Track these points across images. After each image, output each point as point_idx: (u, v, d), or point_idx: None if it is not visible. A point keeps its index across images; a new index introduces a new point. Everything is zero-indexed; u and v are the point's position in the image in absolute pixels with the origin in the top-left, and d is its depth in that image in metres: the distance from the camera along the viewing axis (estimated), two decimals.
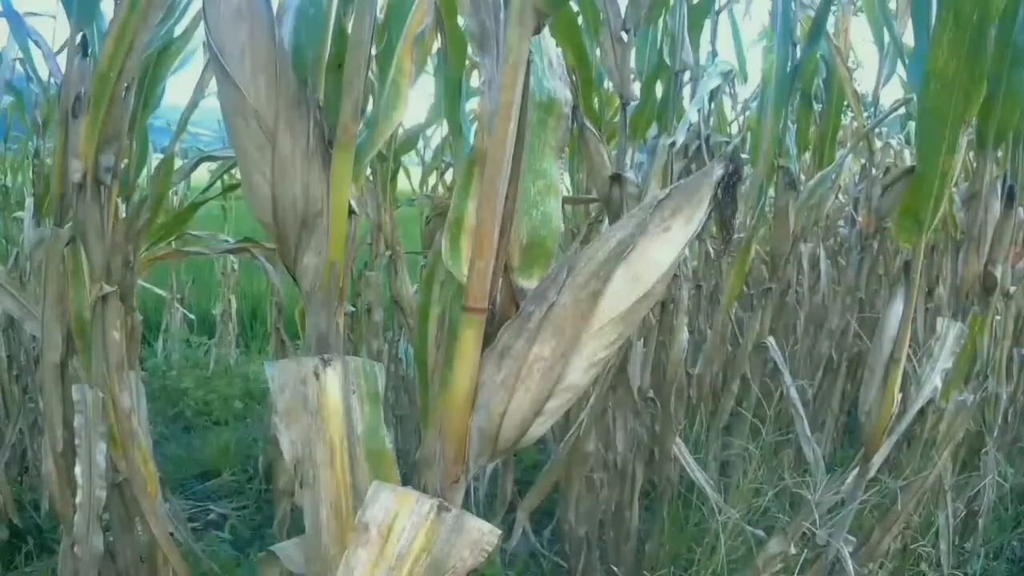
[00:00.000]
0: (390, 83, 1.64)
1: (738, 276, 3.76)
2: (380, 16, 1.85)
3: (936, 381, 2.82)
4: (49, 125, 4.38)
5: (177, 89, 2.97)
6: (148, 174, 3.19)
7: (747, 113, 5.72)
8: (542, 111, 1.33)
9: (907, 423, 2.76)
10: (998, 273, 2.99)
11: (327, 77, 1.51)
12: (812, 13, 3.80)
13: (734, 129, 5.79)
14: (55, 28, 4.21)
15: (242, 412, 6.35)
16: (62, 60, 2.60)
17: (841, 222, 5.89)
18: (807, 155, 4.57)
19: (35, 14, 3.96)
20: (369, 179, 4.33)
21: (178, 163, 3.06)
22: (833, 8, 4.34)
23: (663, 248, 1.14)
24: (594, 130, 3.06)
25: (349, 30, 1.45)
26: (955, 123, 2.16)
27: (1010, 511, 4.57)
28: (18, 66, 4.34)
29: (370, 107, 1.70)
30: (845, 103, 4.55)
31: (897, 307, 2.57)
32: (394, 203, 4.60)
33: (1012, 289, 3.42)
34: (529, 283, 1.28)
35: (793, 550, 2.87)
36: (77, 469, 2.43)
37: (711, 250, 5.07)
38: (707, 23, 3.88)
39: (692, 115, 3.56)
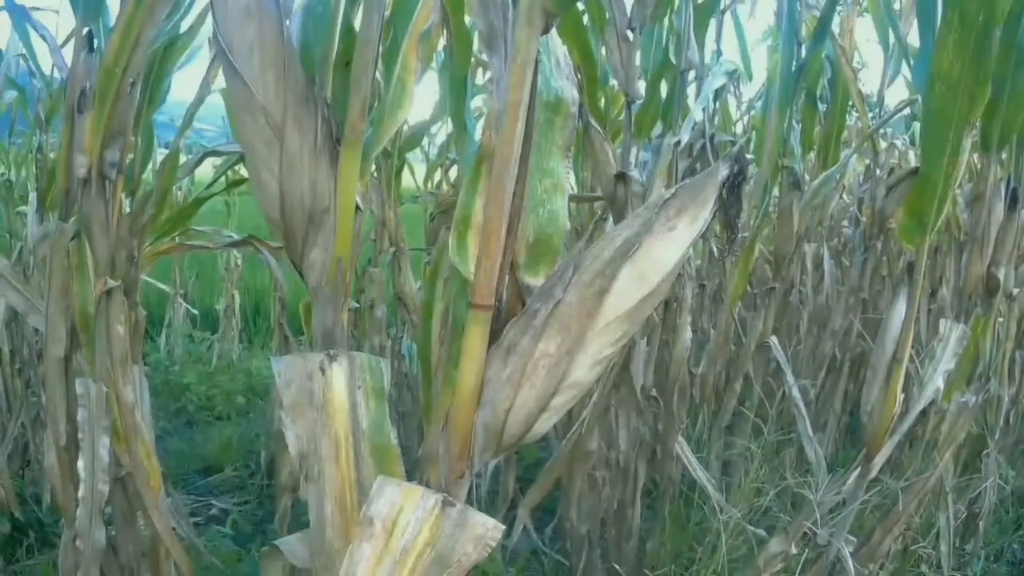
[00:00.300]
0: (395, 80, 1.65)
1: (742, 275, 3.76)
2: (386, 13, 1.85)
3: (938, 382, 2.82)
4: (52, 120, 4.39)
5: (181, 84, 2.98)
6: (153, 169, 3.20)
7: (752, 113, 5.72)
8: (549, 110, 1.34)
9: (909, 424, 2.77)
10: (1001, 275, 3.00)
11: (335, 74, 1.52)
12: (817, 13, 3.81)
13: (739, 129, 5.80)
14: (58, 22, 4.23)
15: (244, 407, 6.37)
16: (66, 54, 2.61)
17: (845, 222, 5.90)
18: (811, 155, 4.58)
19: (38, 8, 3.97)
20: (374, 175, 4.34)
21: (182, 159, 3.06)
22: (838, 8, 4.34)
23: (668, 247, 1.15)
24: (599, 128, 3.06)
25: (357, 28, 1.46)
26: (959, 125, 2.17)
27: (1011, 513, 4.58)
28: (20, 61, 4.35)
29: (375, 104, 1.71)
30: (850, 103, 4.55)
31: (900, 308, 2.58)
32: (398, 200, 4.61)
33: (1015, 291, 3.42)
34: (535, 280, 1.29)
35: (794, 550, 2.87)
36: (80, 463, 2.44)
37: (715, 249, 5.07)
38: (712, 22, 3.89)
39: (697, 114, 3.57)
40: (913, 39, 3.59)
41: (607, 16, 2.90)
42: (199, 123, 3.54)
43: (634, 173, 3.06)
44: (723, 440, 4.19)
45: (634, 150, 3.18)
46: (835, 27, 4.49)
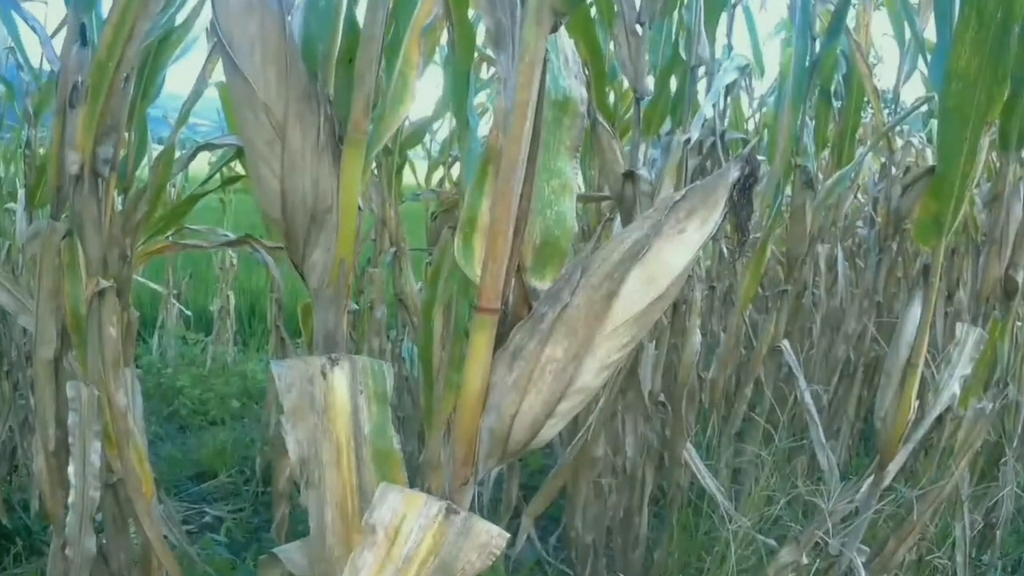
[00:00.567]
0: (397, 75, 1.66)
1: (753, 277, 3.77)
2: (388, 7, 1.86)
3: (954, 388, 2.83)
4: (41, 114, 4.40)
5: (175, 77, 2.99)
6: (147, 166, 3.21)
7: (764, 109, 5.73)
8: (557, 109, 1.35)
9: (924, 431, 2.78)
10: (1020, 277, 3.01)
11: (337, 71, 1.53)
12: (832, 6, 3.81)
13: (750, 126, 5.80)
14: (47, 13, 4.23)
15: (239, 412, 6.38)
16: (56, 46, 2.61)
17: (859, 223, 5.90)
18: (825, 153, 4.58)
19: None
20: (374, 173, 4.34)
21: (176, 154, 3.06)
22: (853, 2, 4.35)
23: (678, 250, 1.17)
24: (607, 125, 3.07)
25: (360, 23, 1.47)
26: (977, 123, 2.18)
27: None
28: (8, 54, 4.36)
29: (378, 100, 1.72)
30: (865, 100, 4.55)
31: (915, 311, 2.59)
32: (399, 198, 4.62)
33: None
34: (542, 284, 1.30)
35: (805, 560, 2.88)
36: (70, 468, 2.43)
37: (725, 250, 5.08)
38: (723, 16, 3.89)
39: (707, 110, 3.58)
40: (930, 34, 3.58)
41: (616, 10, 2.91)
42: (193, 117, 3.56)
43: (643, 172, 3.06)
44: (733, 447, 4.19)
45: (643, 148, 3.19)
46: (850, 21, 4.49)
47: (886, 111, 5.00)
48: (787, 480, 3.80)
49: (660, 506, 4.09)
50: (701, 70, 3.50)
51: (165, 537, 2.68)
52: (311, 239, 1.44)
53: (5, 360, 4.42)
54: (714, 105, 3.81)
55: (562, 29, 1.34)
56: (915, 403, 2.60)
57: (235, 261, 7.49)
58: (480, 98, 5.21)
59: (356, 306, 4.30)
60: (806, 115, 3.78)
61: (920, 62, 4.78)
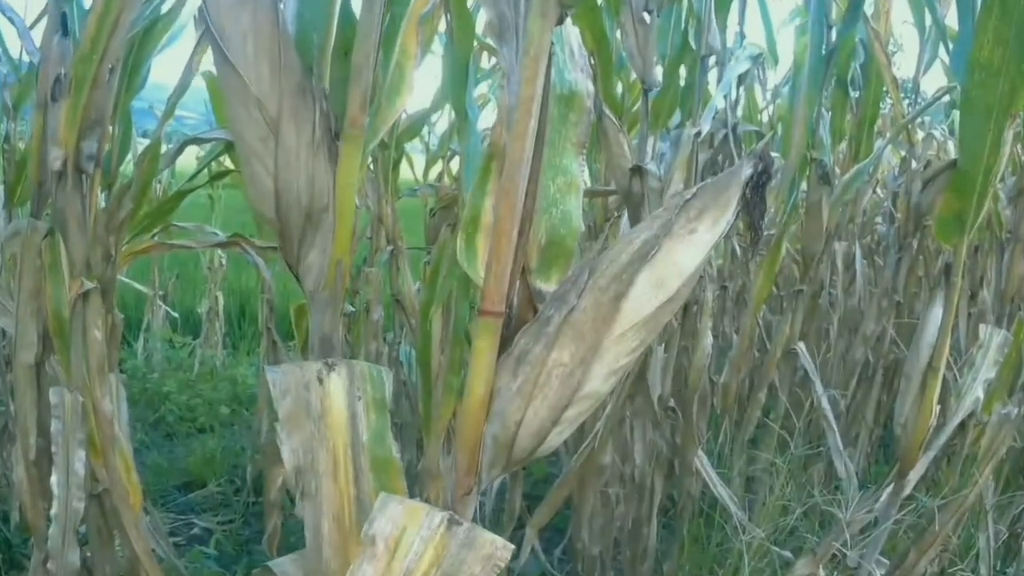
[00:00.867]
0: (394, 66, 1.66)
1: (767, 276, 3.77)
2: None
3: (978, 392, 2.84)
4: (21, 107, 4.39)
5: (160, 67, 2.99)
6: (131, 161, 3.21)
7: (779, 101, 5.72)
8: (563, 104, 1.36)
9: (946, 437, 2.79)
10: None
11: (333, 64, 1.54)
12: None
13: (764, 118, 5.80)
14: (26, 3, 4.22)
15: (229, 418, 6.37)
16: (35, 37, 2.62)
17: (878, 219, 5.90)
18: (842, 146, 4.59)
19: None
20: (370, 168, 4.35)
21: (163, 148, 3.06)
22: None
23: (689, 251, 1.18)
24: (613, 118, 3.07)
25: (357, 13, 1.47)
26: (1001, 116, 2.18)
27: None
28: None
29: (375, 93, 1.72)
30: (884, 90, 4.55)
31: (937, 312, 2.60)
32: (396, 194, 4.62)
33: None
34: (547, 285, 1.31)
35: (822, 572, 2.89)
36: (53, 478, 2.43)
37: (738, 248, 5.08)
38: (734, 3, 3.90)
39: (718, 102, 3.58)
40: (952, 21, 3.59)
41: None
42: (180, 109, 3.55)
43: (651, 166, 3.06)
44: (746, 454, 4.19)
45: (651, 141, 3.19)
46: (868, 7, 4.48)
47: (906, 102, 5.00)
48: (803, 489, 3.80)
49: (670, 516, 4.10)
50: (712, 60, 3.51)
51: (152, 550, 2.68)
52: (306, 240, 1.45)
53: None
54: (725, 96, 3.81)
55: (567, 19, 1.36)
56: (937, 408, 2.61)
57: (224, 260, 7.48)
58: (480, 89, 5.21)
59: (351, 308, 4.30)
60: (822, 106, 3.79)
61: (941, 50, 4.78)
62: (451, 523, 1.22)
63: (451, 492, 1.32)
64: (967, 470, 3.15)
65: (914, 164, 4.72)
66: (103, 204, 2.68)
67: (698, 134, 3.23)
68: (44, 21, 2.45)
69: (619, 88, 3.82)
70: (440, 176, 5.64)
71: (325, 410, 1.41)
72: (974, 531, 3.64)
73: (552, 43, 1.19)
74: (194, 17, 2.90)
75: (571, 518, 3.76)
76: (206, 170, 3.89)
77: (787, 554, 3.27)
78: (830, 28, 3.58)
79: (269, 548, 3.83)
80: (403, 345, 4.74)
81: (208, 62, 3.00)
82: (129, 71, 2.66)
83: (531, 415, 1.24)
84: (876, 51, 4.34)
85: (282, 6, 1.41)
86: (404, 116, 4.57)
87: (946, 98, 4.62)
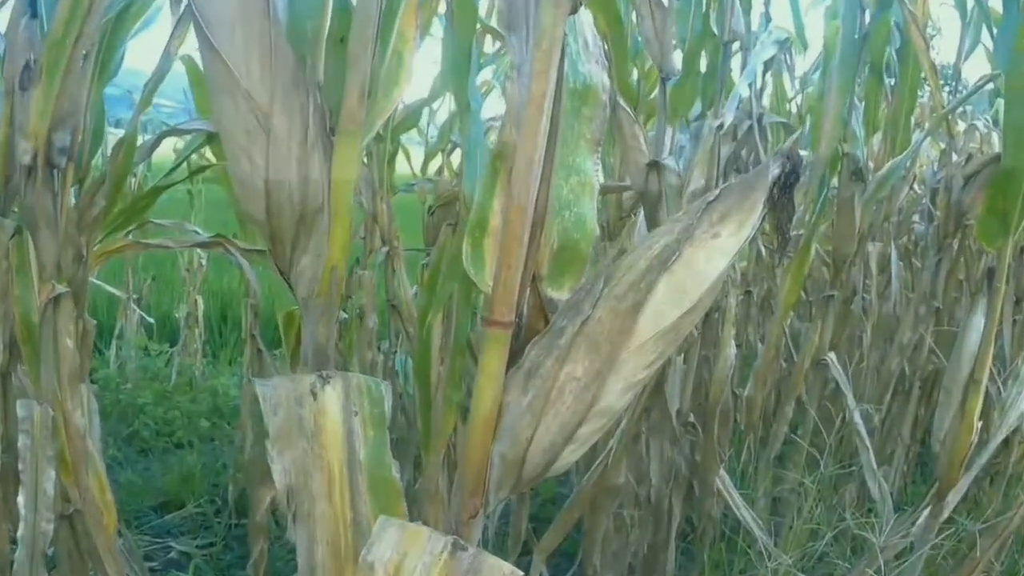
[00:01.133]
0: (391, 53, 1.65)
1: (795, 281, 3.77)
2: None
3: (1023, 407, 2.85)
4: None
5: (134, 51, 2.98)
6: (103, 153, 3.22)
7: (808, 89, 5.72)
8: (576, 99, 1.36)
9: (989, 455, 2.79)
10: None
11: (328, 53, 1.54)
12: None
13: (793, 108, 5.79)
14: None
15: (209, 433, 6.36)
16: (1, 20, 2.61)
17: (916, 218, 5.90)
18: (877, 139, 4.59)
19: None
20: (363, 162, 4.35)
21: (139, 140, 3.06)
22: None
23: (711, 257, 1.19)
24: (628, 109, 3.07)
25: None
26: None
27: None
28: None
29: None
30: (922, 77, 4.55)
31: (978, 319, 2.61)
32: (392, 190, 4.62)
33: None
34: (560, 294, 1.32)
35: None
36: (20, 498, 2.41)
37: (763, 249, 5.09)
38: None
39: (742, 91, 3.58)
40: (996, 3, 3.60)
41: None
42: (157, 97, 3.53)
43: (669, 161, 3.07)
44: (772, 473, 4.20)
45: (669, 134, 3.19)
46: None
47: (946, 90, 5.01)
48: (833, 511, 3.81)
49: (689, 541, 4.10)
50: (735, 45, 3.51)
51: (127, 575, 2.69)
52: (299, 243, 1.45)
53: None
54: (750, 85, 3.80)
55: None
56: (978, 424, 2.62)
57: (204, 261, 7.47)
58: (484, 75, 5.21)
59: (344, 314, 4.30)
60: (855, 96, 3.79)
61: (984, 34, 4.79)
62: (455, 548, 1.23)
63: (455, 515, 1.33)
64: (1011, 491, 3.16)
65: (954, 158, 4.72)
66: (74, 200, 2.67)
67: (720, 126, 3.24)
68: (11, 3, 2.44)
69: (634, 76, 3.82)
70: (440, 170, 5.63)
71: (319, 426, 1.41)
72: (1018, 557, 3.64)
73: (564, 33, 1.20)
74: (170, 1, 2.90)
75: (582, 543, 3.76)
76: (185, 164, 3.90)
77: None
78: (863, 10, 3.58)
79: (254, 574, 3.84)
80: (399, 355, 4.75)
81: (188, 47, 3.01)
82: (102, 55, 2.65)
83: (542, 432, 1.25)
84: (913, 35, 4.34)
85: None
86: (401, 106, 4.57)
87: (989, 86, 4.63)
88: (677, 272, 1.19)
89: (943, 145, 5.08)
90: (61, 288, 2.41)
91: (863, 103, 4.11)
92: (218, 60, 1.37)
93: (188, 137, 3.62)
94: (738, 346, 3.89)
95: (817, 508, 3.76)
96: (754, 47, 3.71)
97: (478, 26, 3.24)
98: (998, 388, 3.07)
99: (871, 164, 4.44)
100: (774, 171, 1.17)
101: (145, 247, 3.51)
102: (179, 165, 3.71)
